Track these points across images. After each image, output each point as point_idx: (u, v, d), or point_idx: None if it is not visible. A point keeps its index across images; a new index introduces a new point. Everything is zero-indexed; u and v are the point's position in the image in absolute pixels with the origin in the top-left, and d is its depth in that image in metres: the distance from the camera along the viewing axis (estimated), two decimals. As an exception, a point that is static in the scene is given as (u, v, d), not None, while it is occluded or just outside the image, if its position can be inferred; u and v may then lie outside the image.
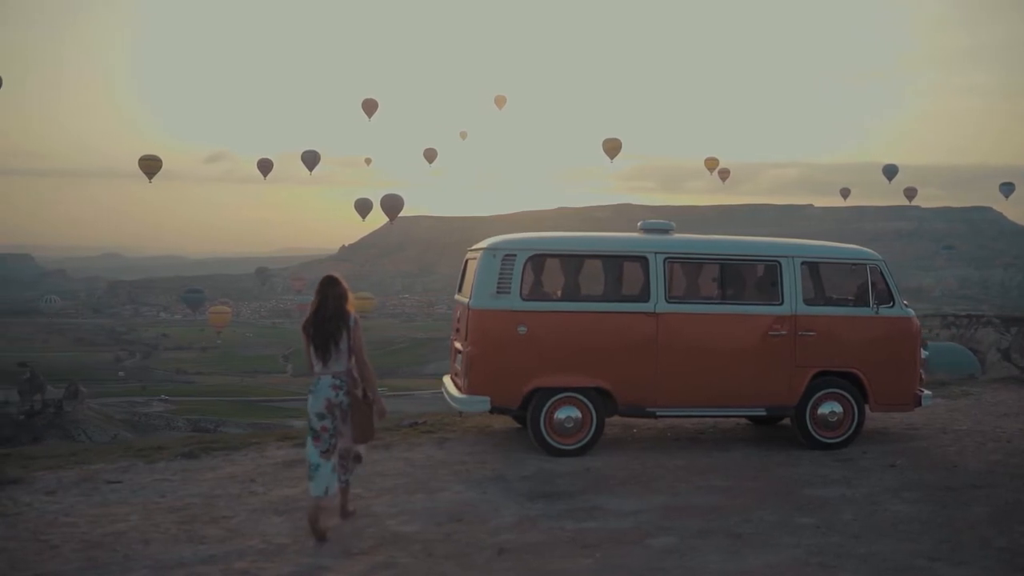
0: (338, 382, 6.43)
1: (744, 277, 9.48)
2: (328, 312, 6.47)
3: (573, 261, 9.17)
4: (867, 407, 9.29)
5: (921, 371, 9.65)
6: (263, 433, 10.74)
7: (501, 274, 8.74)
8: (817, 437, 9.16)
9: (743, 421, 10.35)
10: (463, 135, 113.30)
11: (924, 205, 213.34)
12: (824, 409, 9.16)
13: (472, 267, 9.18)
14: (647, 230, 9.46)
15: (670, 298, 8.93)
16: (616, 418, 9.27)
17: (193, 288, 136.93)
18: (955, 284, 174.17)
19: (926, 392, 9.58)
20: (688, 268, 9.34)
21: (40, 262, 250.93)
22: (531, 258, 8.87)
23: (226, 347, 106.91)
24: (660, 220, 9.57)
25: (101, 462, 8.39)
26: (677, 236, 9.39)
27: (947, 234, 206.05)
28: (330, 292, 6.55)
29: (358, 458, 6.80)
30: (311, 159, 74.52)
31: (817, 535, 6.51)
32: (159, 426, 56.51)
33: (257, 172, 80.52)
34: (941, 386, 13.64)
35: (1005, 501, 7.35)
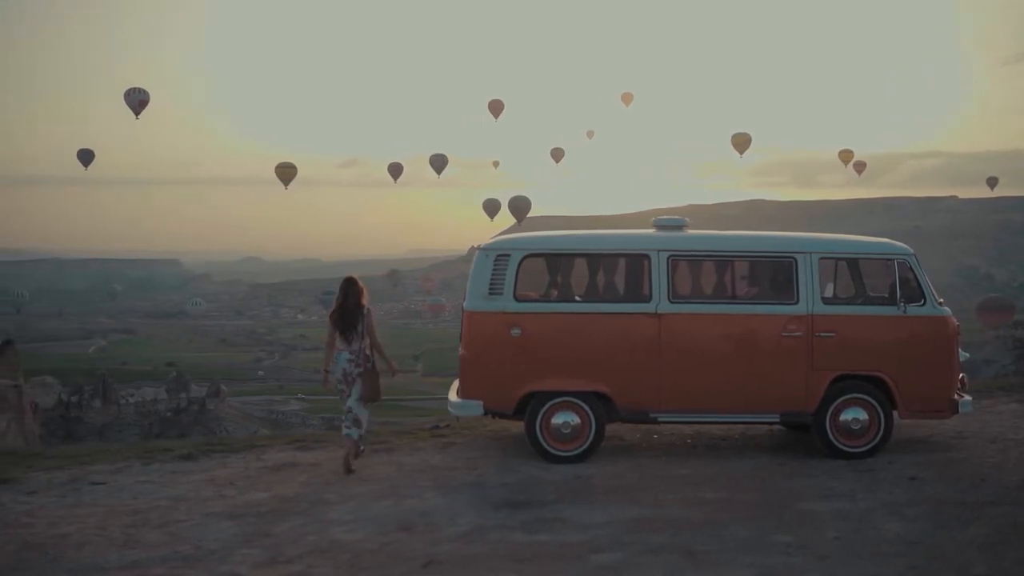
0: (353, 357, 8.21)
1: (756, 275, 8.92)
2: (350, 305, 8.25)
3: (570, 260, 8.83)
4: (896, 414, 8.60)
5: (961, 375, 8.88)
6: (273, 436, 10.78)
7: (494, 275, 8.49)
8: (839, 446, 8.51)
9: (775, 427, 9.74)
10: (590, 134, 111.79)
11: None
12: (847, 416, 8.50)
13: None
14: (659, 227, 9.03)
15: (674, 298, 8.48)
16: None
17: (329, 291, 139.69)
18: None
19: (965, 397, 8.77)
20: (694, 266, 8.85)
21: (187, 267, 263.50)
22: (526, 258, 8.58)
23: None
24: (674, 217, 9.11)
25: (102, 463, 8.55)
26: (685, 233, 8.90)
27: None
28: (350, 290, 8.32)
29: (357, 422, 8.19)
30: (439, 162, 75.23)
31: (782, 554, 6.00)
32: (295, 423, 58.05)
33: (388, 176, 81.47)
34: (1021, 391, 12.59)
35: (1014, 522, 6.60)
